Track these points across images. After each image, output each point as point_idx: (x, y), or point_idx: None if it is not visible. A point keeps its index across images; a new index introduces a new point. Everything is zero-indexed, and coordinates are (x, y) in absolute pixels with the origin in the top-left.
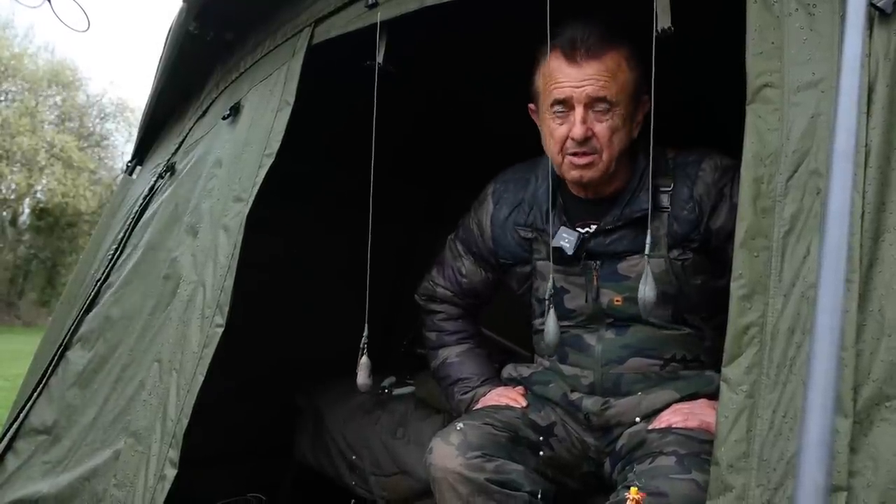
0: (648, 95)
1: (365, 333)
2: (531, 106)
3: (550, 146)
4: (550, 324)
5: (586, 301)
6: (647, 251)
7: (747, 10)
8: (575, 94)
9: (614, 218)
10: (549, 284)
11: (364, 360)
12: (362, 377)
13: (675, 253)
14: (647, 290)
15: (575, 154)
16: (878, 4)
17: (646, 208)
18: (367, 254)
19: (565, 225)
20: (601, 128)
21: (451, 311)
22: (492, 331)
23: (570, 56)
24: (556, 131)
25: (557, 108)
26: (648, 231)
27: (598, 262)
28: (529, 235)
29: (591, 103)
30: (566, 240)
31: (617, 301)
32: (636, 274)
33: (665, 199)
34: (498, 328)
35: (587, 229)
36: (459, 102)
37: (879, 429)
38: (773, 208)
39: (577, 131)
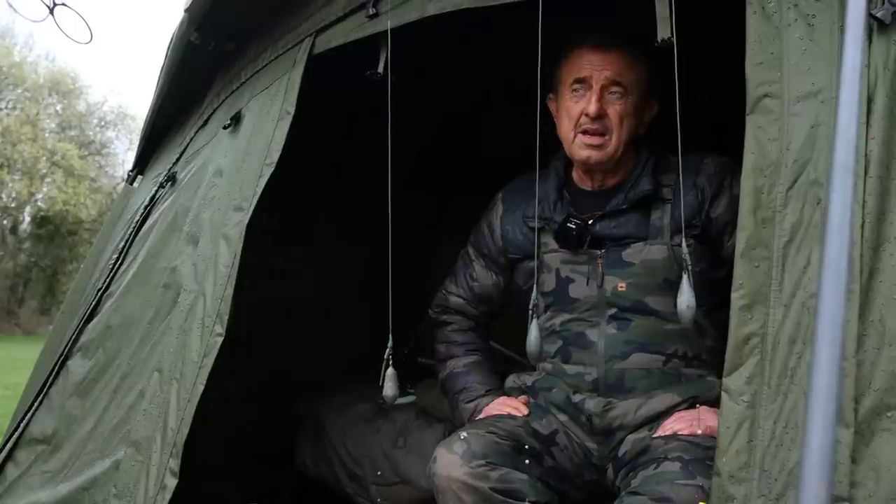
0: (657, 100)
1: (389, 344)
2: (551, 96)
3: (564, 125)
4: (532, 334)
5: (588, 284)
6: (687, 259)
7: (747, 21)
8: (595, 75)
9: (619, 201)
10: (534, 295)
11: (390, 371)
12: (389, 389)
13: (677, 239)
14: (685, 300)
15: (586, 133)
16: (877, 15)
17: (649, 189)
18: (389, 263)
19: (572, 216)
20: (614, 110)
21: (463, 323)
22: (496, 341)
23: (594, 44)
24: (573, 108)
25: (577, 86)
26: (683, 242)
27: (602, 250)
28: (537, 226)
29: (607, 85)
30: (572, 223)
31: (621, 287)
32: (640, 260)
33: (668, 192)
34: (501, 339)
35: (592, 220)
36: (460, 109)
37: (881, 439)
38: (774, 218)
39: (592, 107)
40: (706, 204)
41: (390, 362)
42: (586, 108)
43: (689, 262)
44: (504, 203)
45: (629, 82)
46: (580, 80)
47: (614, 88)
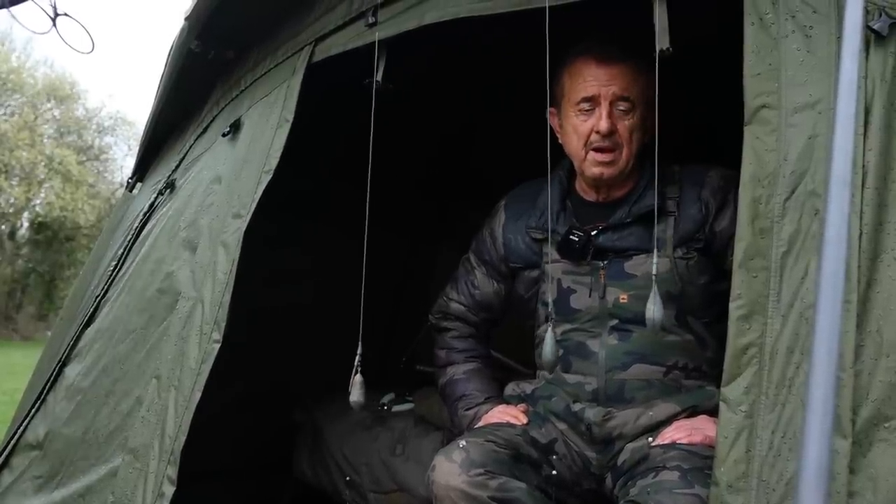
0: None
1: (359, 351)
2: (551, 109)
3: (573, 143)
4: (548, 342)
5: (590, 296)
6: (654, 271)
7: (745, 32)
8: (602, 92)
9: (623, 214)
10: (550, 304)
11: (357, 377)
12: (355, 395)
13: (679, 252)
14: (654, 310)
15: (598, 150)
16: (874, 27)
17: (653, 204)
18: (363, 269)
19: (575, 227)
20: (623, 126)
21: (463, 330)
22: (495, 350)
23: (599, 58)
24: (581, 127)
25: (584, 104)
26: (655, 253)
27: (604, 262)
28: (539, 237)
29: (615, 101)
30: (575, 235)
31: (623, 299)
32: (642, 273)
33: (671, 205)
34: (501, 348)
35: (595, 231)
36: (461, 118)
37: (879, 449)
38: (772, 229)
39: (604, 125)
40: (710, 217)
41: (359, 369)
42: (597, 125)
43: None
44: (506, 211)
45: (636, 96)
46: (588, 99)
47: (622, 104)
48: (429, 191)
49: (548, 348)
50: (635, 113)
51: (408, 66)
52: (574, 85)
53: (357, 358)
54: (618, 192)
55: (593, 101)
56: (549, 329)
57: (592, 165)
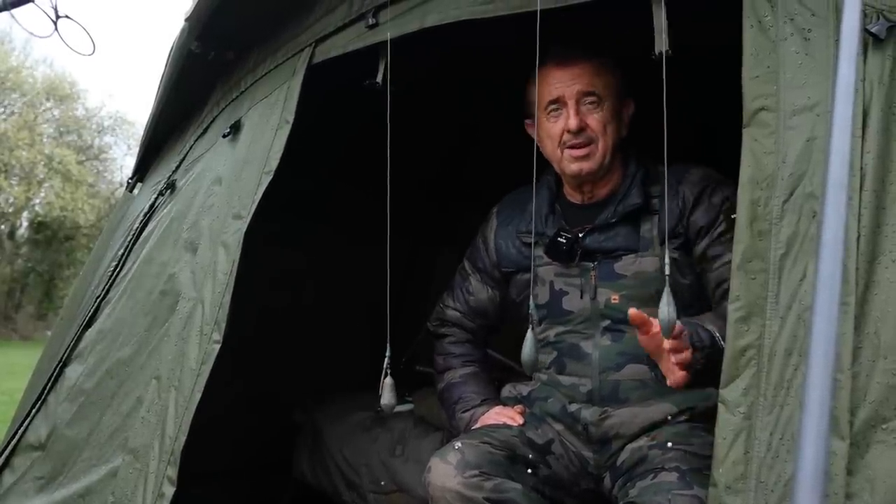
0: (631, 98)
1: (387, 354)
2: (527, 121)
3: (548, 146)
4: (528, 344)
5: (582, 297)
6: (667, 271)
7: (744, 35)
8: (566, 92)
9: (608, 214)
10: (530, 305)
11: (388, 380)
12: (386, 398)
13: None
14: (668, 311)
15: (572, 147)
16: (872, 30)
17: (638, 203)
18: (386, 271)
19: (563, 229)
20: (593, 119)
21: (460, 336)
22: (494, 350)
23: (559, 62)
24: (552, 129)
25: (552, 107)
26: (667, 252)
27: (594, 263)
28: (530, 240)
29: (581, 98)
30: (563, 236)
31: (614, 299)
32: (632, 273)
33: (656, 203)
34: (501, 348)
35: (582, 233)
36: (459, 119)
37: (876, 451)
38: (770, 231)
39: (572, 122)
40: (686, 210)
41: (388, 371)
42: (566, 124)
43: (670, 273)
44: (498, 217)
45: (601, 89)
46: (553, 101)
47: (588, 99)
48: (430, 193)
49: (526, 350)
50: (604, 106)
51: (409, 68)
52: (540, 91)
53: (385, 360)
54: (602, 191)
55: (559, 101)
56: (529, 331)
57: (570, 162)
